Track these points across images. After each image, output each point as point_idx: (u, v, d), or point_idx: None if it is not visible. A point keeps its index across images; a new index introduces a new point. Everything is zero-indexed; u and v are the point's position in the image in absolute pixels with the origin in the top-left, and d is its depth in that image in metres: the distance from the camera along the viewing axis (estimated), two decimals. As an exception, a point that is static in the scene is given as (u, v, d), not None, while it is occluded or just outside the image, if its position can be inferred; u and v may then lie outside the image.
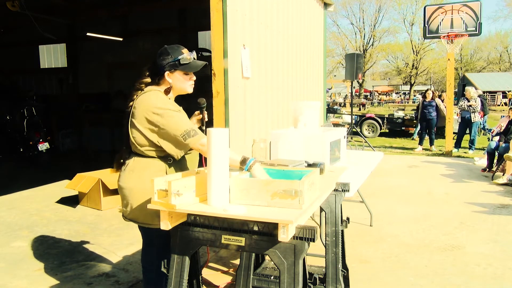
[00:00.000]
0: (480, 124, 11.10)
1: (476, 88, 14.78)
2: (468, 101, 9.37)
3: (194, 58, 2.12)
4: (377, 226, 4.34)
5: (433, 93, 10.45)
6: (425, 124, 10.10)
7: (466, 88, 10.12)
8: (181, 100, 2.22)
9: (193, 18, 9.31)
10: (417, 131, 10.41)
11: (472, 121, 9.34)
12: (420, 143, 10.17)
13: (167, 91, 2.12)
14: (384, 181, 6.41)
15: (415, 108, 14.32)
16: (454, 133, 12.71)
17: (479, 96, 13.01)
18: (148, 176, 1.94)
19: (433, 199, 5.44)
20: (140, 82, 2.12)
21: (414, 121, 13.06)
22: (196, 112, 2.29)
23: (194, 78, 2.17)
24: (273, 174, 1.87)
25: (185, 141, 1.94)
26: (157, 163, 2.08)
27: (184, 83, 2.12)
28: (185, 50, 2.10)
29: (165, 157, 2.08)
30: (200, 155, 2.09)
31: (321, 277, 2.55)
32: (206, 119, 2.26)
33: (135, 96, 2.10)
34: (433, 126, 10.10)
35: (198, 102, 2.23)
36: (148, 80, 2.12)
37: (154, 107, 1.98)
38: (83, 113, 9.92)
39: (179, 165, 2.14)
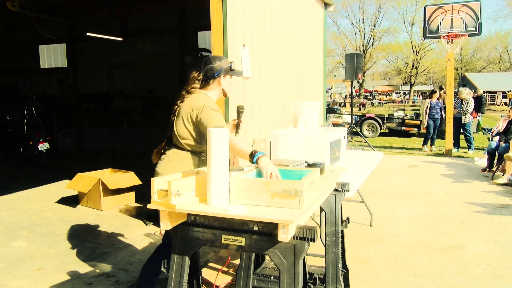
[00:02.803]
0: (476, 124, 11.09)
1: (476, 88, 14.79)
2: (461, 102, 9.38)
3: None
4: (377, 226, 4.34)
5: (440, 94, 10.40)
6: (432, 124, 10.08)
7: (460, 89, 10.07)
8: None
9: (193, 18, 9.30)
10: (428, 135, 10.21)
11: (463, 122, 9.35)
12: (426, 143, 10.14)
13: (213, 94, 2.42)
14: (384, 181, 6.41)
15: (418, 108, 14.27)
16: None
17: (479, 96, 13.04)
18: (184, 166, 2.29)
19: (433, 199, 5.44)
20: (192, 87, 2.40)
21: (416, 122, 13.03)
22: (233, 119, 2.57)
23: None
24: (273, 174, 1.87)
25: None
26: (192, 156, 2.36)
27: (230, 86, 2.49)
28: (227, 60, 2.49)
29: (200, 152, 2.36)
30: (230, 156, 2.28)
31: (321, 277, 2.55)
32: (240, 126, 2.53)
33: (184, 98, 2.36)
34: (437, 126, 10.10)
35: (237, 107, 2.50)
36: (198, 85, 2.41)
37: (198, 103, 2.28)
38: (83, 113, 9.92)
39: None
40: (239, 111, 2.49)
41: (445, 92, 11.62)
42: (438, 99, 10.20)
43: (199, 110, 2.24)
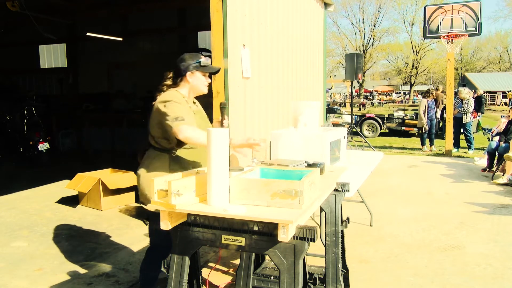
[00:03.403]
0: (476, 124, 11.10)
1: (476, 88, 14.78)
2: (462, 102, 9.38)
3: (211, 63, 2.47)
4: (377, 226, 4.34)
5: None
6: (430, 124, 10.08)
7: (460, 88, 10.07)
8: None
9: (193, 18, 9.30)
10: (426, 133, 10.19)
11: (463, 122, 9.35)
12: (424, 143, 10.13)
13: (185, 91, 2.42)
14: (384, 181, 6.41)
15: (418, 108, 14.22)
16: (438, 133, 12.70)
17: (478, 96, 13.03)
18: (154, 165, 2.34)
19: (433, 199, 5.44)
20: (162, 85, 2.43)
21: (416, 122, 13.00)
22: (218, 117, 2.53)
23: (210, 80, 2.49)
24: (273, 174, 1.87)
25: (169, 122, 2.17)
26: (163, 154, 2.36)
27: (202, 83, 2.44)
28: (202, 56, 2.44)
29: (169, 149, 2.35)
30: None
31: (321, 277, 2.55)
32: (226, 124, 2.46)
33: (156, 96, 2.38)
34: (433, 126, 10.10)
35: (220, 103, 2.45)
36: (169, 82, 2.44)
37: (164, 99, 2.29)
38: (83, 113, 9.91)
39: (182, 159, 2.35)
40: (222, 108, 2.42)
41: (443, 92, 11.61)
42: (434, 99, 10.22)
43: (164, 105, 2.25)
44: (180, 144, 2.31)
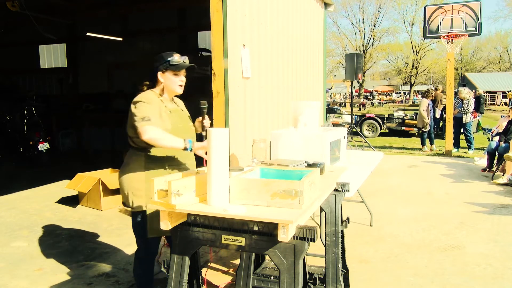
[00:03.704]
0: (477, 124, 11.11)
1: (476, 88, 14.78)
2: (462, 101, 9.38)
3: (184, 61, 2.37)
4: (377, 226, 4.34)
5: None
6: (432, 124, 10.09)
7: (459, 88, 10.07)
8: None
9: (193, 18, 9.30)
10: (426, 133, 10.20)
11: (464, 122, 9.36)
12: (424, 143, 10.12)
13: (160, 92, 2.40)
14: (384, 181, 6.41)
15: (417, 108, 14.21)
16: (438, 133, 12.69)
17: (478, 96, 13.03)
18: (130, 165, 2.35)
19: (433, 199, 5.44)
20: (143, 85, 2.44)
21: (415, 121, 13.00)
22: (200, 118, 2.45)
23: (183, 79, 2.41)
24: (273, 174, 1.87)
25: (136, 122, 2.18)
26: (139, 154, 2.35)
27: (173, 83, 2.37)
28: (176, 54, 2.37)
29: (145, 148, 2.33)
30: (202, 158, 2.31)
31: (321, 277, 2.55)
32: (207, 124, 2.39)
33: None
34: (433, 125, 10.12)
35: (200, 103, 2.39)
36: (148, 82, 2.43)
37: (136, 99, 2.28)
38: (83, 113, 9.91)
39: (158, 158, 2.34)
40: (202, 108, 2.39)
41: (443, 92, 11.60)
42: (433, 99, 10.23)
43: (134, 106, 2.25)
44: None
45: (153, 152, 2.33)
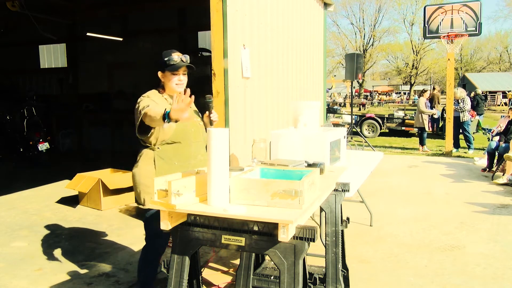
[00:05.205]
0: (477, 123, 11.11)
1: (476, 89, 14.78)
2: (458, 102, 9.39)
3: (182, 60, 2.36)
4: (377, 226, 4.34)
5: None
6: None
7: (454, 90, 10.08)
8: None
9: (193, 18, 9.30)
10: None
11: (461, 121, 9.36)
12: (424, 143, 10.10)
13: (162, 91, 2.43)
14: (384, 181, 6.41)
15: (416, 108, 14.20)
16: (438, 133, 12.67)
17: (476, 95, 13.03)
18: (141, 162, 2.38)
19: (433, 199, 5.44)
20: (148, 85, 2.50)
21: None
22: (207, 112, 2.48)
23: (182, 79, 2.40)
24: (273, 174, 1.87)
25: (139, 114, 2.19)
26: (149, 151, 2.38)
27: (171, 82, 2.38)
28: (175, 53, 2.36)
29: (154, 145, 2.37)
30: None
31: (321, 277, 2.55)
32: (215, 118, 2.43)
33: None
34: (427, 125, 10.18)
35: (205, 97, 2.41)
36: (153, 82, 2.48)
37: (139, 99, 2.33)
38: (83, 113, 9.91)
39: (167, 154, 2.37)
40: (208, 102, 2.41)
41: (443, 92, 11.61)
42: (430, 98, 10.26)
43: (137, 104, 2.29)
44: (160, 138, 2.35)
45: (162, 148, 2.36)
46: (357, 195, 4.41)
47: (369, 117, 14.00)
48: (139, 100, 2.33)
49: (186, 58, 2.39)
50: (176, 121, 1.99)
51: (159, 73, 2.39)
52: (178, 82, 2.39)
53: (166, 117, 1.97)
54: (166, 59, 2.33)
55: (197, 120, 2.50)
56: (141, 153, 2.43)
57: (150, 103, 2.24)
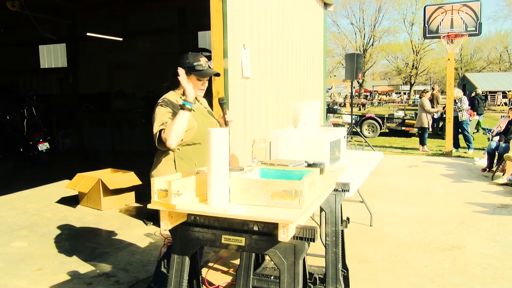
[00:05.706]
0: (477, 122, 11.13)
1: (475, 88, 14.79)
2: (455, 102, 9.40)
3: (209, 67, 2.37)
4: (377, 226, 4.34)
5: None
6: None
7: None
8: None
9: (193, 18, 9.30)
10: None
11: (460, 120, 9.37)
12: (424, 143, 10.09)
13: (182, 93, 2.33)
14: (384, 181, 6.41)
15: (417, 108, 14.20)
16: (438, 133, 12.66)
17: (476, 95, 13.03)
18: (161, 164, 2.36)
19: (433, 199, 5.44)
20: (165, 83, 2.44)
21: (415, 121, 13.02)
22: (219, 113, 2.51)
23: (206, 85, 2.42)
24: (273, 174, 1.87)
25: (155, 129, 2.21)
26: (169, 153, 2.36)
27: (195, 87, 2.35)
28: (203, 58, 2.35)
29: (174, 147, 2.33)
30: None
31: (321, 277, 2.55)
32: (229, 118, 2.46)
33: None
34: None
35: (218, 99, 2.45)
36: (168, 83, 2.42)
37: (158, 102, 2.31)
38: (83, 113, 9.91)
39: (187, 155, 2.36)
40: (222, 103, 2.41)
41: (443, 92, 11.63)
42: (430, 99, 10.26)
43: (155, 109, 2.27)
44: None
45: (182, 149, 2.34)
46: (357, 195, 4.41)
47: (369, 117, 14.00)
48: (157, 106, 2.28)
49: (211, 64, 2.39)
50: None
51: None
52: (202, 87, 2.38)
53: (185, 106, 2.11)
54: (195, 64, 2.30)
55: (213, 121, 2.50)
56: (159, 154, 2.40)
57: (165, 119, 2.20)
